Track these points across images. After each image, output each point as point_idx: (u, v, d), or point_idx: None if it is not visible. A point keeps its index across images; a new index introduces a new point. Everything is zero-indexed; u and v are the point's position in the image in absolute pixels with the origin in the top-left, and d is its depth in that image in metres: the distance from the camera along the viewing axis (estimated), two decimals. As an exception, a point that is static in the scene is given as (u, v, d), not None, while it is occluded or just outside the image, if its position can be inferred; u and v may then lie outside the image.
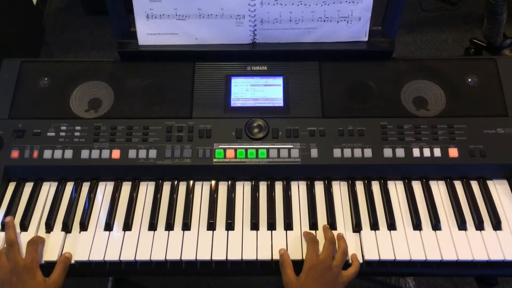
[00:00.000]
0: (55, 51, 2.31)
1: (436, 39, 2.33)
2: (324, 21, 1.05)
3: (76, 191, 0.98)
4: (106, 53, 2.26)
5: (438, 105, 1.04)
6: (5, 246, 0.89)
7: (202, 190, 0.99)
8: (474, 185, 0.99)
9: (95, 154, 0.98)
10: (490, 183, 0.99)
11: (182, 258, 0.89)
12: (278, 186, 0.99)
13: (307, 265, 0.86)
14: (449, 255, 0.89)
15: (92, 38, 2.35)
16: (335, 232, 0.92)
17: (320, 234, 0.92)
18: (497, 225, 0.93)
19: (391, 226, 0.93)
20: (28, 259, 0.86)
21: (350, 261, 0.89)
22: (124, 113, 1.03)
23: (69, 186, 0.99)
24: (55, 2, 2.53)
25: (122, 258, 0.89)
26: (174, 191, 0.98)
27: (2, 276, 0.85)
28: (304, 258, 0.88)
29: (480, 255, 0.89)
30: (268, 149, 0.99)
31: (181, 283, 1.64)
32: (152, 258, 0.89)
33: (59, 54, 2.30)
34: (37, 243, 0.89)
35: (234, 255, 0.90)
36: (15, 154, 0.98)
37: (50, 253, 0.90)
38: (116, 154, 0.98)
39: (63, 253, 0.90)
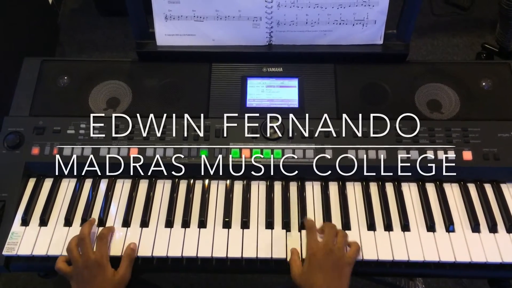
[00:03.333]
0: (69, 52, 2.34)
1: (447, 43, 2.33)
2: (340, 24, 1.07)
3: (94, 188, 1.00)
4: (120, 53, 2.28)
5: (452, 108, 1.05)
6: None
7: (217, 188, 1.00)
8: (488, 188, 1.00)
9: (113, 152, 1.00)
10: (503, 186, 1.00)
11: (198, 255, 0.91)
12: (293, 186, 1.00)
13: (308, 254, 0.87)
14: (463, 257, 0.90)
15: (105, 39, 2.37)
16: (349, 233, 0.93)
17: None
18: (510, 227, 0.93)
19: (405, 227, 0.94)
20: (99, 254, 0.87)
21: (348, 246, 0.90)
22: (142, 112, 1.05)
23: (88, 183, 1.01)
24: (69, 3, 2.57)
25: (140, 254, 0.91)
26: (190, 190, 0.99)
27: (75, 270, 0.86)
28: None
29: (494, 257, 0.90)
30: (283, 149, 1.00)
31: (192, 282, 1.65)
32: (168, 255, 0.91)
33: (73, 54, 2.32)
34: (106, 237, 0.89)
35: (249, 253, 0.91)
36: (35, 150, 1.00)
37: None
38: (133, 152, 1.00)
39: (126, 245, 0.91)
